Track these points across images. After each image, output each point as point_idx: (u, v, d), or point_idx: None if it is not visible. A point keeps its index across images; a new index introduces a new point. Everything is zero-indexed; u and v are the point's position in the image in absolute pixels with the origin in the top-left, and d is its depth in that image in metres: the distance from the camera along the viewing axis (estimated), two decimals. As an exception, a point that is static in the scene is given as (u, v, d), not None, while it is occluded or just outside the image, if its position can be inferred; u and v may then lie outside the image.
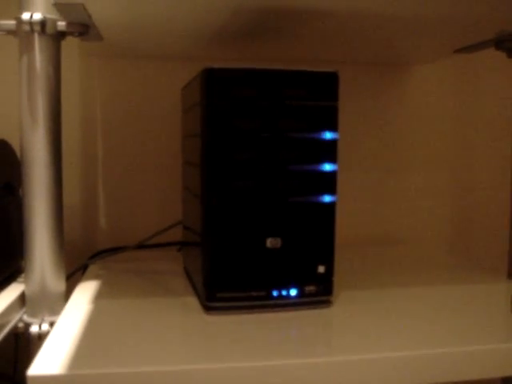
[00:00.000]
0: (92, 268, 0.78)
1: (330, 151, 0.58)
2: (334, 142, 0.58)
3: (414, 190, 0.99)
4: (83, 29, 0.62)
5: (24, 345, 0.63)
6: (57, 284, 0.62)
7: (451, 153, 1.00)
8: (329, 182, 0.58)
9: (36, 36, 0.59)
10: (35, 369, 0.44)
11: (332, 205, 0.59)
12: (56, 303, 0.62)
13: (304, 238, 0.58)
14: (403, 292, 0.66)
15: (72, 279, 0.73)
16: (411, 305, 0.61)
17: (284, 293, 0.58)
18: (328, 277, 0.60)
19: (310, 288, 0.59)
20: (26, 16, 0.58)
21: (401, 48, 0.79)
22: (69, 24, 0.61)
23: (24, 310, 0.63)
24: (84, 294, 0.65)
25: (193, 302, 0.62)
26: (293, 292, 0.59)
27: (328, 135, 0.58)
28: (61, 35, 0.61)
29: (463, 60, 0.98)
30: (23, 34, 0.59)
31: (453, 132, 0.99)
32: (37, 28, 0.58)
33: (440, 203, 1.00)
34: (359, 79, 0.95)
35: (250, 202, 0.57)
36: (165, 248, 0.86)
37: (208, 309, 0.58)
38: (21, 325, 0.62)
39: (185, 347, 0.49)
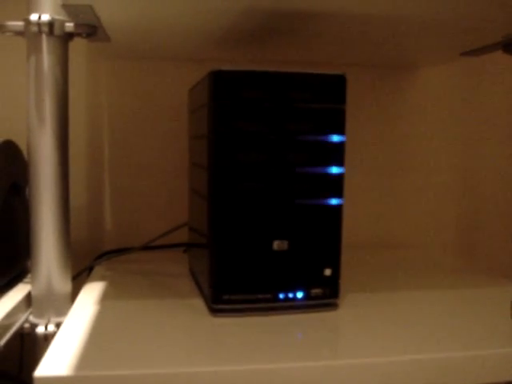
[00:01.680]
0: (98, 269, 0.78)
1: (337, 154, 0.58)
2: (341, 145, 0.58)
3: (421, 192, 0.99)
4: (91, 30, 0.62)
5: (30, 345, 0.63)
6: (63, 285, 0.63)
7: (457, 156, 0.99)
8: (336, 185, 0.58)
9: (44, 37, 0.59)
10: (42, 370, 0.44)
11: (339, 207, 0.59)
12: (62, 304, 0.62)
13: (311, 240, 0.58)
14: (409, 295, 0.66)
15: (78, 280, 0.73)
16: (417, 308, 0.61)
17: (290, 295, 0.58)
18: (334, 280, 0.59)
19: (317, 291, 0.59)
20: (34, 17, 0.58)
21: (407, 50, 0.79)
22: (77, 25, 0.61)
23: (30, 310, 0.63)
24: (90, 295, 0.65)
25: (199, 303, 0.62)
26: (299, 295, 0.59)
27: (335, 138, 0.58)
28: (69, 36, 0.62)
29: (470, 63, 0.98)
30: (31, 34, 0.59)
31: (459, 135, 0.99)
32: (45, 29, 0.58)
33: (446, 206, 1.00)
34: (366, 82, 0.95)
35: (256, 204, 0.57)
36: (171, 249, 0.86)
37: (214, 311, 0.58)
38: (27, 325, 0.62)
39: (191, 349, 0.49)
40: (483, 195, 1.00)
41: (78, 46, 0.84)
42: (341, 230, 0.59)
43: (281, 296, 0.58)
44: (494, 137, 1.00)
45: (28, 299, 0.63)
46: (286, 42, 0.73)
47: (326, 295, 0.59)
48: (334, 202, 0.58)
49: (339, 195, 0.59)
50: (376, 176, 0.97)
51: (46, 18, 0.58)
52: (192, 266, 0.73)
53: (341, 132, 0.58)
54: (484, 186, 1.00)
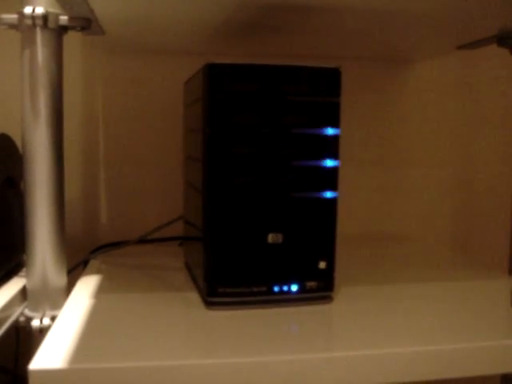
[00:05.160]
0: (93, 262, 0.78)
1: (331, 147, 0.58)
2: (335, 138, 0.58)
3: (416, 186, 0.99)
4: (85, 23, 0.62)
5: (25, 339, 0.63)
6: (58, 278, 0.63)
7: (453, 149, 0.99)
8: (330, 178, 0.58)
9: (38, 30, 0.59)
10: (37, 363, 0.44)
11: (333, 200, 0.59)
12: (57, 297, 0.62)
13: (305, 233, 0.58)
14: (404, 288, 0.66)
15: (73, 273, 0.73)
16: (412, 301, 0.61)
17: (285, 288, 0.58)
18: (329, 273, 0.60)
19: (311, 284, 0.59)
20: (28, 10, 0.58)
21: (403, 44, 0.79)
22: (71, 18, 0.60)
23: (25, 304, 0.63)
24: (85, 289, 0.65)
25: (194, 296, 0.62)
26: (294, 287, 0.59)
27: (330, 131, 0.58)
28: (63, 29, 0.61)
29: (466, 56, 0.98)
30: (25, 28, 0.59)
31: (455, 128, 0.99)
32: (39, 22, 0.58)
33: (442, 200, 1.00)
34: (362, 75, 0.95)
35: (251, 197, 0.57)
36: (166, 243, 0.86)
37: (209, 304, 0.58)
38: (22, 319, 0.62)
39: (186, 342, 0.49)
40: (479, 188, 1.00)
41: (72, 39, 0.84)
42: (336, 222, 0.59)
43: (276, 289, 0.58)
44: (490, 130, 1.00)
45: (23, 293, 0.63)
46: (280, 35, 0.73)
47: (320, 288, 0.60)
48: (328, 194, 0.58)
49: (334, 188, 0.59)
50: (371, 169, 0.97)
51: (40, 10, 0.58)
52: (187, 260, 0.73)
53: (336, 125, 0.58)
54: (480, 180, 1.00)
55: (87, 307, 0.58)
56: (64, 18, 0.60)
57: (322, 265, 0.59)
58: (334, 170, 0.59)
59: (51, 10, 0.59)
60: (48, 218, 0.61)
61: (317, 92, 0.57)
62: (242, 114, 0.56)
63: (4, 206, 0.66)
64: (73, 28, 0.62)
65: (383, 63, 0.95)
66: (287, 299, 0.59)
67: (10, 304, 0.60)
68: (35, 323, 0.61)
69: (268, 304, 0.58)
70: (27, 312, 0.62)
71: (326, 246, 0.59)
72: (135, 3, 0.57)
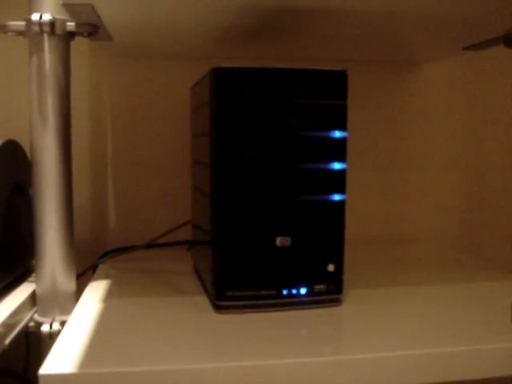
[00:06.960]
0: (102, 267, 0.78)
1: (339, 150, 0.58)
2: (343, 141, 0.58)
3: (424, 188, 0.98)
4: (92, 29, 0.62)
5: (35, 344, 0.64)
6: (67, 283, 0.63)
7: (461, 151, 0.99)
8: (338, 181, 0.58)
9: (45, 37, 0.59)
10: (47, 368, 0.44)
11: (341, 203, 0.59)
12: (67, 303, 0.63)
13: (314, 236, 0.58)
14: (413, 290, 0.66)
15: (82, 279, 0.73)
16: (421, 303, 0.61)
17: (294, 291, 0.58)
18: (338, 275, 0.60)
19: (320, 287, 0.59)
20: (35, 17, 0.58)
21: (409, 46, 0.79)
22: (78, 24, 0.61)
23: (35, 309, 0.63)
24: (94, 294, 0.65)
25: (203, 300, 0.62)
26: (303, 291, 0.59)
27: (337, 134, 0.58)
28: (70, 35, 0.62)
29: (472, 57, 0.97)
30: (33, 34, 0.59)
31: (463, 129, 0.99)
32: (46, 29, 0.59)
33: (450, 201, 1.00)
34: (368, 77, 0.95)
35: (259, 200, 0.57)
36: (174, 247, 0.86)
37: (218, 308, 0.58)
38: (32, 324, 0.62)
39: (195, 346, 0.49)
40: (487, 190, 1.00)
41: (79, 44, 0.84)
42: (344, 225, 0.59)
43: (284, 292, 0.58)
44: (498, 132, 0.99)
45: (33, 298, 0.64)
46: (287, 38, 0.73)
47: (329, 291, 0.59)
48: (336, 197, 0.58)
49: (342, 191, 0.59)
50: (379, 172, 0.97)
51: (47, 17, 0.58)
52: (196, 264, 0.73)
53: (343, 128, 0.58)
54: (488, 181, 1.00)
55: (96, 312, 0.58)
56: (71, 25, 0.60)
57: (331, 267, 0.59)
58: (342, 172, 0.58)
59: (58, 16, 0.59)
60: (57, 224, 0.62)
61: (324, 95, 0.57)
62: (249, 117, 0.56)
63: (13, 212, 0.66)
64: (80, 34, 0.62)
65: (389, 65, 0.95)
66: (296, 302, 0.59)
67: (20, 309, 0.60)
68: (45, 328, 0.61)
69: (277, 307, 0.58)
70: (37, 317, 0.62)
71: (334, 248, 0.59)
72: (142, 9, 0.57)
